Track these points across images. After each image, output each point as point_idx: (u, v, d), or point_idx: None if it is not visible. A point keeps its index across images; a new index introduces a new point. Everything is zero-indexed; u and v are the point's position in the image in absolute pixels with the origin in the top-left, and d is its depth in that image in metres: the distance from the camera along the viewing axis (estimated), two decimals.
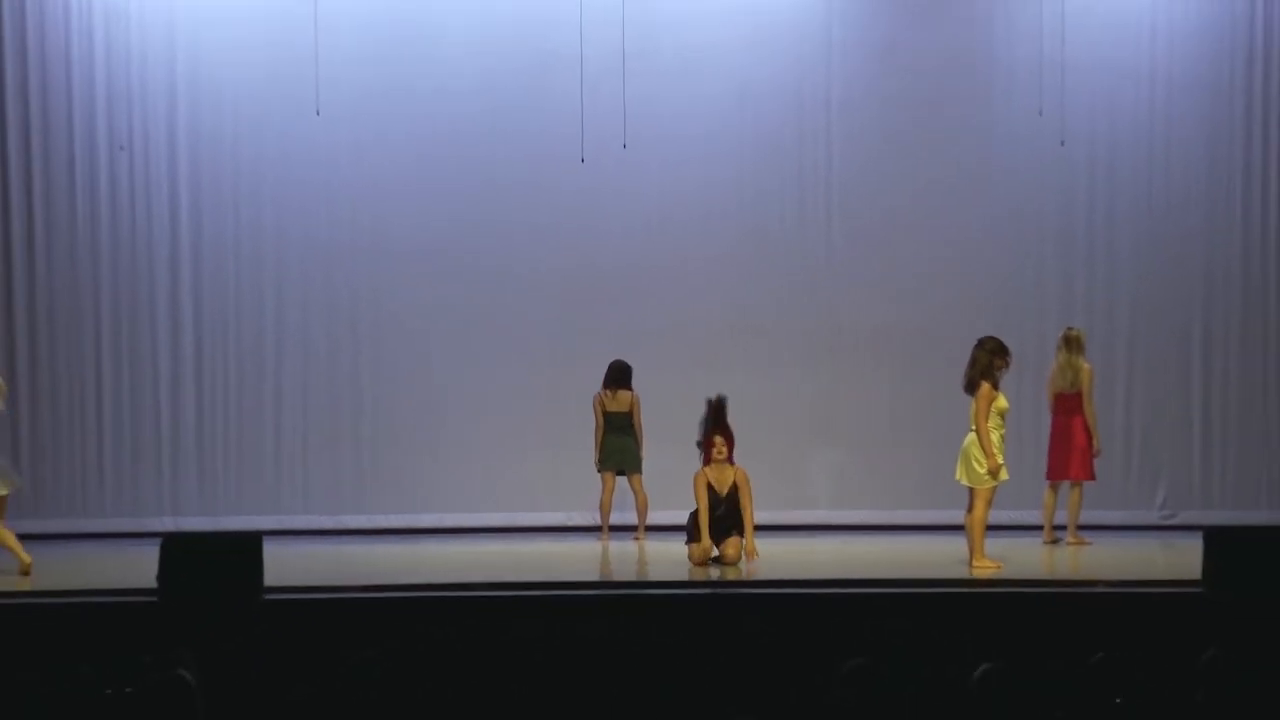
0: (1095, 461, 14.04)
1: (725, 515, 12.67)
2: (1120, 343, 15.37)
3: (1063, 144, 15.01)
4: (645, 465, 14.45)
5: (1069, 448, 14.01)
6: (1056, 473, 14.10)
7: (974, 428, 12.37)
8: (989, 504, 12.45)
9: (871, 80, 15.36)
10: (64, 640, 10.10)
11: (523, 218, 15.31)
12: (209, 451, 15.36)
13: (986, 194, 15.35)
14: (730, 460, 12.73)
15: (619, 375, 14.47)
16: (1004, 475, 12.45)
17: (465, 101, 15.29)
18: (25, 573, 12.28)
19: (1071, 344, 14.03)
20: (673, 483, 14.57)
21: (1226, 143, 15.33)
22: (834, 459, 15.52)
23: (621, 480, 14.54)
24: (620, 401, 14.47)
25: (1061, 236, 15.43)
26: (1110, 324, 15.32)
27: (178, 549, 11.00)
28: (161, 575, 10.80)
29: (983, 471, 12.33)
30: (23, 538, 14.58)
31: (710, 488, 12.66)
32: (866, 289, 15.39)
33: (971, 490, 12.45)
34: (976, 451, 12.34)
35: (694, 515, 12.70)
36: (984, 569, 12.27)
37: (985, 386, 12.31)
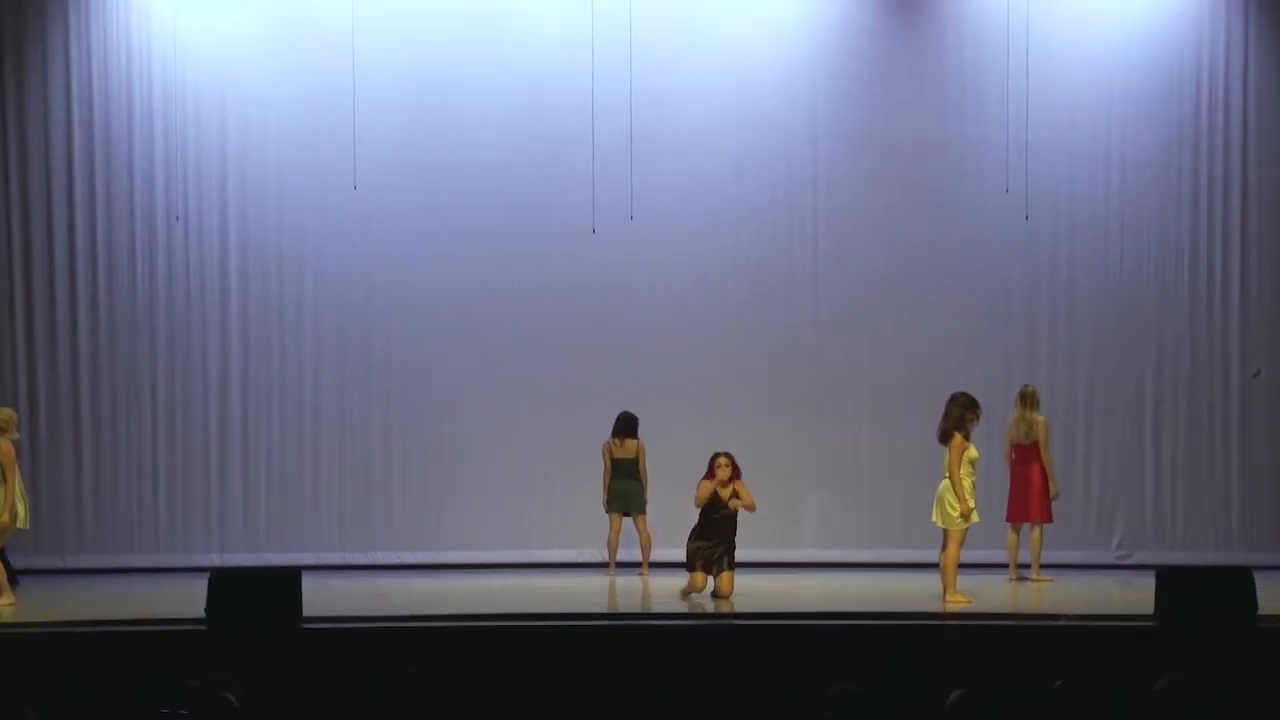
0: (1054, 504, 14.00)
1: (720, 541, 12.58)
2: (1079, 397, 15.33)
3: (1027, 218, 15.00)
4: (649, 507, 14.40)
5: (1027, 492, 13.98)
6: (1016, 515, 14.06)
7: (947, 475, 12.34)
8: (961, 544, 12.40)
9: (854, 161, 15.36)
10: (120, 665, 10.05)
11: (540, 282, 15.31)
12: (253, 494, 15.32)
13: (958, 262, 15.33)
14: (734, 479, 12.65)
15: (626, 425, 14.45)
16: (975, 518, 12.41)
17: (488, 177, 15.29)
18: None
19: (1026, 400, 14.04)
20: (674, 523, 14.50)
21: (1174, 219, 15.33)
22: (820, 502, 15.46)
23: (627, 520, 14.50)
24: (627, 449, 14.43)
25: (1026, 300, 15.41)
26: (1070, 380, 15.30)
27: (224, 582, 10.95)
28: (209, 606, 10.76)
29: (955, 514, 12.29)
30: (83, 572, 14.66)
31: (714, 492, 12.58)
32: (849, 347, 15.36)
33: (945, 531, 12.41)
34: (950, 496, 12.31)
35: (691, 543, 12.62)
36: (956, 603, 12.21)
37: (958, 438, 12.29)
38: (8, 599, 12.34)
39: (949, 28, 15.32)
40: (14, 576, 12.81)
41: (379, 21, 15.10)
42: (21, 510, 12.48)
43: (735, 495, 12.54)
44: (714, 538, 12.59)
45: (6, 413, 12.51)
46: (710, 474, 12.67)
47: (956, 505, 12.27)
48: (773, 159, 15.37)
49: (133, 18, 15.08)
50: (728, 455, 12.63)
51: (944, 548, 12.44)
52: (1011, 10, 14.74)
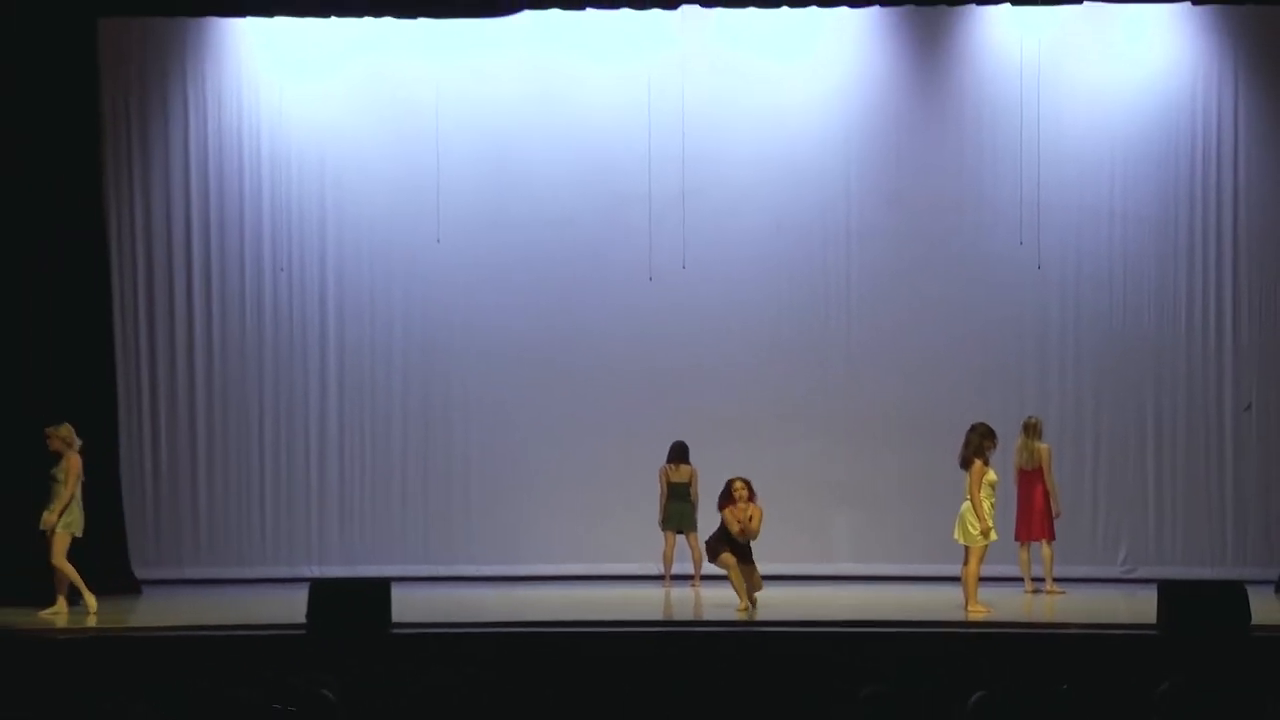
0: (1056, 523, 13.91)
1: (749, 559, 12.54)
2: (1087, 427, 15.21)
3: (1039, 268, 14.91)
4: (700, 524, 14.35)
5: (1030, 513, 13.92)
6: (1022, 534, 13.98)
7: (968, 497, 12.27)
8: (981, 560, 12.33)
9: (882, 217, 15.31)
10: (230, 665, 10.08)
11: (602, 324, 15.30)
12: (348, 512, 15.35)
13: (976, 306, 15.26)
14: (751, 500, 12.62)
15: (680, 452, 14.43)
16: (993, 536, 12.35)
17: (556, 230, 15.31)
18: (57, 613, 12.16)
19: (1029, 430, 14.00)
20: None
21: (1171, 267, 15.19)
22: (852, 520, 15.36)
23: (680, 538, 14.47)
24: (681, 473, 14.41)
25: (1038, 340, 15.31)
26: (1078, 412, 15.17)
27: (322, 591, 11.00)
28: (310, 613, 10.79)
29: (976, 533, 12.22)
30: (198, 582, 14.72)
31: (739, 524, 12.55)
32: (878, 381, 15.28)
33: (966, 548, 12.34)
34: (970, 516, 12.24)
35: (732, 569, 12.55)
36: (978, 613, 12.13)
37: (977, 463, 12.23)
38: (60, 608, 12.24)
39: (968, 97, 15.27)
40: (77, 589, 12.51)
41: (460, 93, 15.15)
42: (79, 519, 12.33)
43: (752, 518, 12.51)
44: (746, 559, 12.57)
45: (67, 429, 12.39)
46: (731, 499, 12.59)
47: (977, 524, 12.20)
48: (810, 215, 15.34)
49: (243, 91, 15.19)
50: (744, 480, 12.58)
51: (965, 563, 12.37)
52: (1024, 82, 14.68)
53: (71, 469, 12.24)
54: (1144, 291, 15.24)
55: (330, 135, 15.28)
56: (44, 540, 12.32)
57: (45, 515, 12.26)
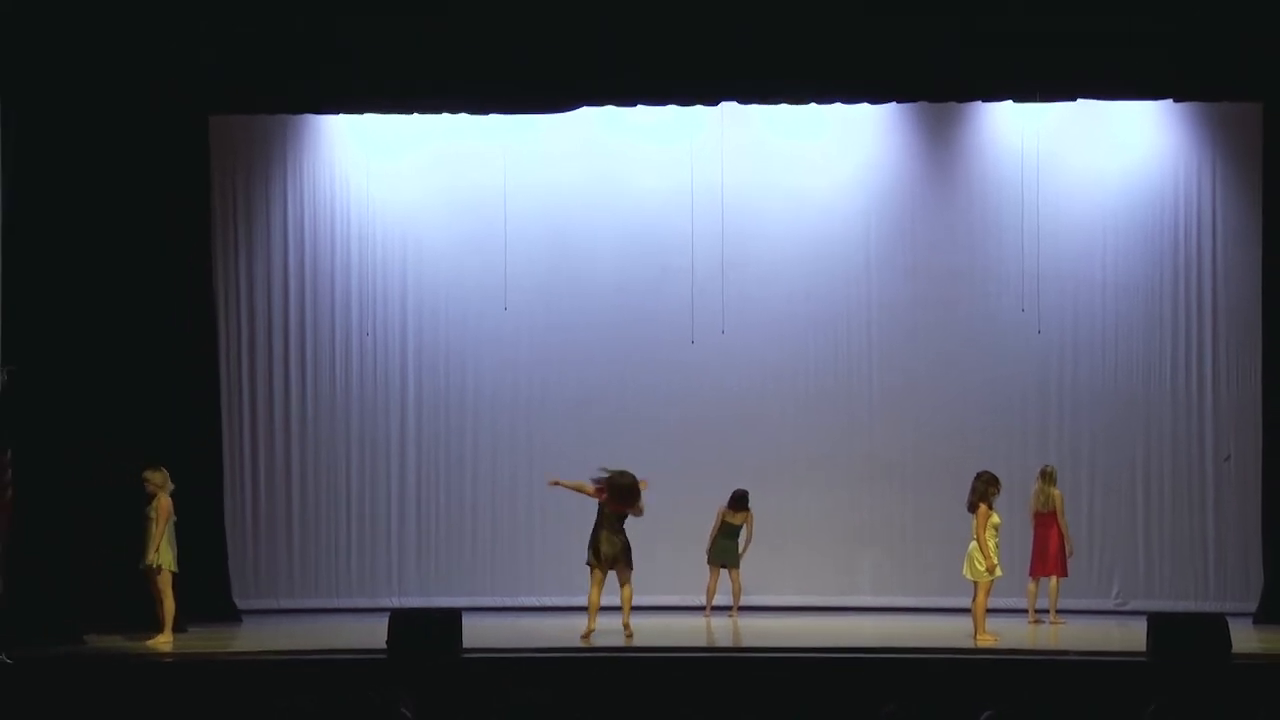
0: (1069, 561, 13.83)
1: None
2: (1083, 475, 15.11)
3: (1039, 332, 14.88)
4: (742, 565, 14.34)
5: (1046, 552, 13.83)
6: (1037, 570, 13.90)
7: (975, 538, 12.24)
8: (987, 593, 12.32)
9: (899, 286, 15.31)
10: (319, 686, 10.13)
11: (650, 382, 15.32)
12: (424, 548, 15.38)
13: (983, 367, 15.22)
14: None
15: (739, 500, 14.39)
16: (999, 572, 12.30)
17: (609, 297, 15.38)
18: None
19: (1045, 477, 13.95)
20: (758, 574, 14.53)
21: (1157, 332, 15.11)
22: (873, 556, 15.30)
23: (724, 572, 14.42)
24: (737, 518, 14.40)
25: (1038, 397, 15.24)
26: (1075, 461, 15.07)
27: (401, 620, 11.01)
28: (389, 639, 10.81)
29: (982, 569, 12.20)
30: (287, 612, 14.76)
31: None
32: (896, 433, 15.24)
33: (974, 583, 12.30)
34: (977, 555, 12.22)
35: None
36: (985, 641, 12.08)
37: (983, 507, 12.25)
38: (165, 638, 12.20)
39: (975, 181, 15.29)
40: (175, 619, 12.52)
41: (523, 176, 15.23)
42: (170, 555, 12.30)
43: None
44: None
45: (160, 474, 12.39)
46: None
47: (983, 562, 12.18)
48: (835, 284, 15.36)
49: (335, 178, 15.36)
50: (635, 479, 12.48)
51: (974, 597, 12.32)
52: (1025, 168, 14.70)
53: (162, 509, 12.25)
54: (1133, 354, 15.17)
55: (410, 215, 15.43)
56: (145, 576, 12.32)
57: (148, 555, 12.24)
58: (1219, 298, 15.04)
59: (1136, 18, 12.80)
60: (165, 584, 12.27)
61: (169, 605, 12.26)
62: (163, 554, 12.26)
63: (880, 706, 7.04)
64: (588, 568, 12.46)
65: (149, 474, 12.38)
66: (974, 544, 12.26)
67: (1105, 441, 15.16)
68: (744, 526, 14.34)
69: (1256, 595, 14.26)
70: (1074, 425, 15.20)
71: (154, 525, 12.23)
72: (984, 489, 12.27)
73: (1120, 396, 15.17)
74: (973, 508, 12.29)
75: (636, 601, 13.30)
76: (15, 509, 12.01)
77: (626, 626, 12.39)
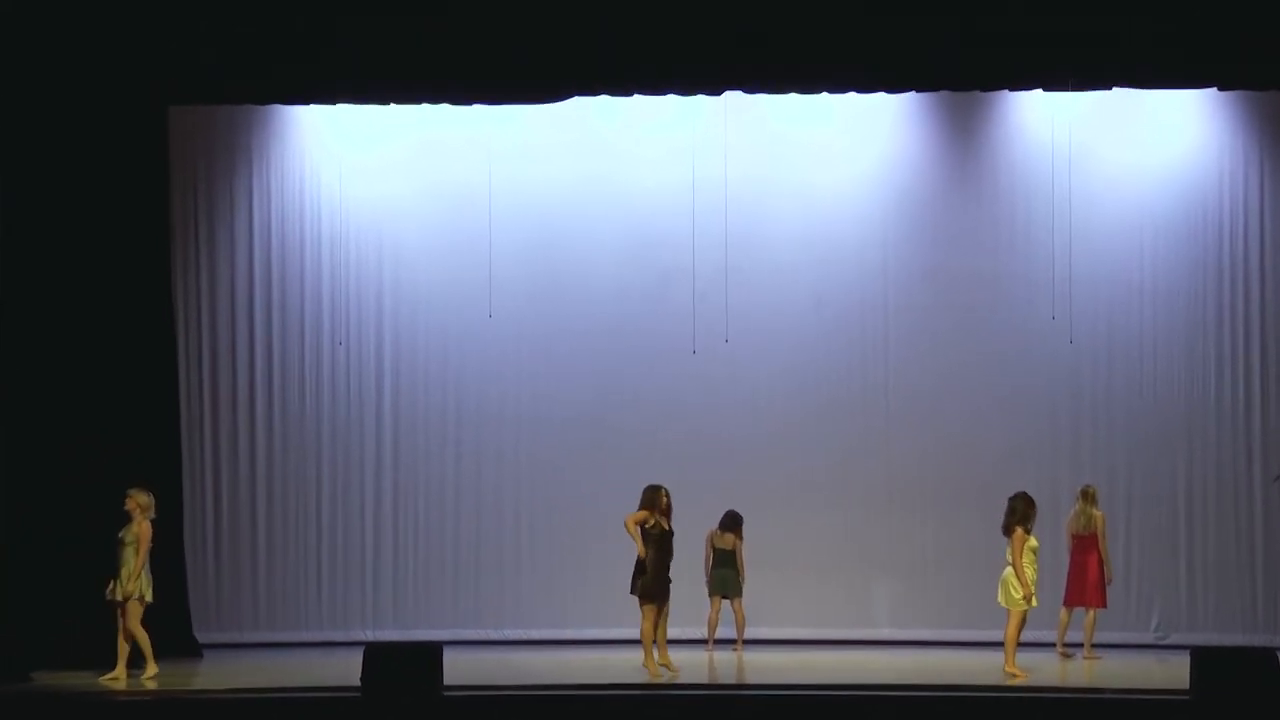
0: (1109, 590, 13.82)
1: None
2: (1119, 497, 15.06)
3: (1071, 342, 14.83)
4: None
5: (1084, 579, 13.80)
6: (1074, 599, 13.87)
7: (1010, 563, 12.25)
8: (1022, 623, 12.41)
9: (919, 292, 15.29)
10: None
11: (648, 397, 15.30)
12: (401, 577, 15.34)
13: (1010, 379, 15.19)
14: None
15: (727, 521, 14.34)
16: (1034, 602, 12.36)
17: (604, 306, 15.37)
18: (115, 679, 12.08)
19: (1087, 497, 13.93)
20: (764, 604, 14.47)
21: (1200, 340, 15.09)
22: (891, 585, 15.26)
23: (725, 603, 14.37)
24: (725, 540, 14.34)
25: (1070, 412, 15.20)
26: (1110, 481, 15.02)
27: (376, 655, 10.94)
28: (364, 676, 10.76)
29: (1018, 596, 12.26)
30: (252, 647, 14.70)
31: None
32: (915, 451, 15.21)
33: (1008, 610, 12.32)
34: (1014, 581, 12.30)
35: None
36: (1013, 676, 12.05)
37: (1020, 531, 12.29)
38: (151, 669, 12.24)
39: (1001, 177, 15.28)
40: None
41: (511, 172, 15.19)
42: (148, 585, 12.29)
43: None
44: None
45: (146, 497, 12.42)
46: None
47: (1019, 589, 12.26)
48: (848, 290, 15.34)
49: (305, 173, 15.34)
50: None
51: (1007, 625, 12.34)
52: (1055, 162, 14.66)
53: (143, 535, 12.25)
54: (1174, 365, 15.14)
55: (387, 214, 15.41)
56: (110, 606, 12.28)
57: (120, 584, 12.20)
58: (1267, 303, 15.02)
59: None
60: (136, 615, 12.25)
61: (143, 636, 12.28)
62: (141, 583, 12.26)
63: None
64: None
65: (136, 494, 12.38)
66: (1009, 569, 12.29)
67: (1143, 460, 15.13)
68: (735, 552, 14.27)
69: None
70: (1109, 442, 15.15)
71: (130, 551, 12.22)
72: (1023, 510, 12.36)
73: (1160, 411, 15.13)
74: (1008, 530, 12.38)
75: (633, 634, 13.22)
76: None
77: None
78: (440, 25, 13.06)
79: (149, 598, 12.30)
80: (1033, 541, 12.31)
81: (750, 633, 14.36)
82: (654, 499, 12.55)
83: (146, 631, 12.30)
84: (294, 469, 15.29)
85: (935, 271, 15.27)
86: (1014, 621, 12.27)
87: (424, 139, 15.30)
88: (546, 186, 15.39)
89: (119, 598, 12.22)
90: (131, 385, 13.92)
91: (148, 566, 12.33)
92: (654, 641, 12.42)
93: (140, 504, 12.33)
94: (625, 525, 12.51)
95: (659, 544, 12.51)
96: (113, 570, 12.28)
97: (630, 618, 14.85)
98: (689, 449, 15.16)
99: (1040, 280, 14.95)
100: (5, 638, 12.20)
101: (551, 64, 13.36)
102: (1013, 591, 12.24)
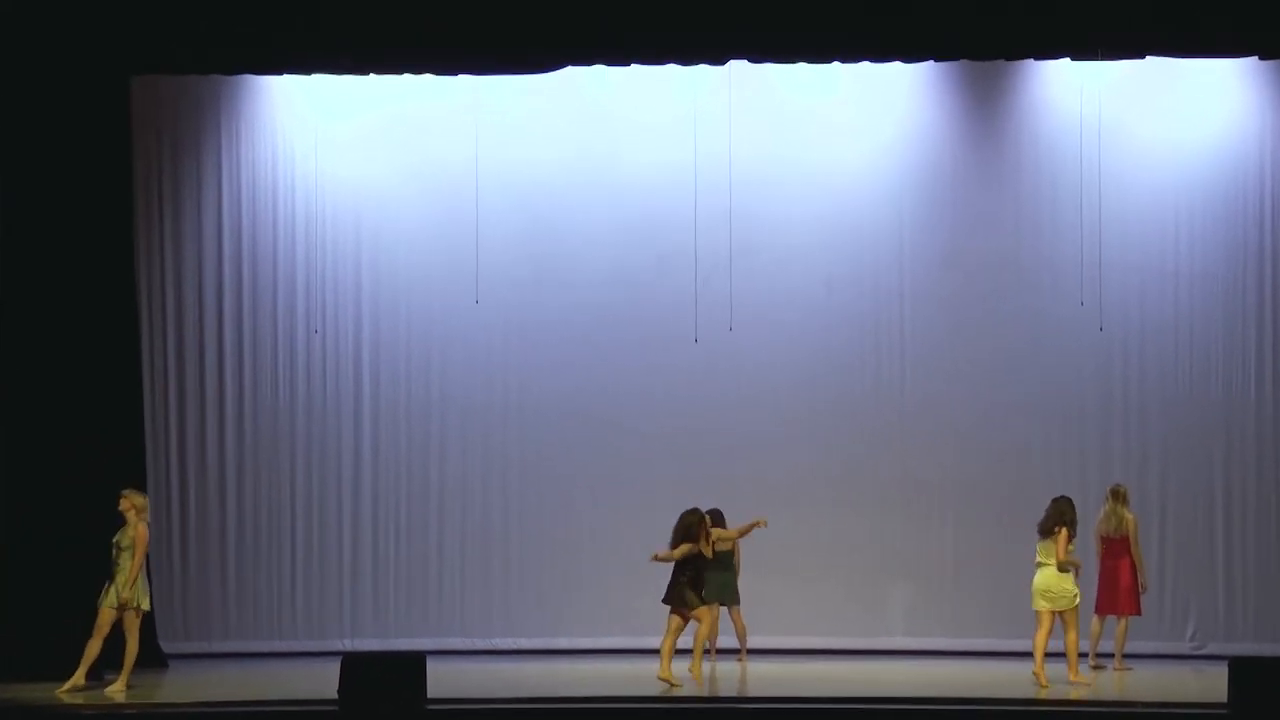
0: (1142, 598, 13.85)
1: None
2: (1152, 496, 15.05)
3: (1100, 329, 14.79)
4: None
5: (1115, 586, 13.82)
6: (1105, 607, 13.87)
7: (1050, 564, 12.48)
8: (1049, 632, 12.45)
9: (937, 277, 15.27)
10: None
11: (647, 387, 15.28)
12: (381, 583, 15.33)
13: (1036, 370, 15.17)
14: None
15: (719, 517, 14.20)
16: (1079, 599, 12.65)
17: (599, 291, 15.34)
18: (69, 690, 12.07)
19: (1118, 496, 13.94)
20: (769, 611, 14.42)
21: (1240, 329, 15.07)
22: (906, 592, 15.25)
23: (723, 610, 14.29)
24: (726, 541, 14.18)
25: (1100, 404, 15.19)
26: (1142, 480, 15.01)
27: (355, 666, 10.94)
28: (341, 688, 10.74)
29: (1072, 592, 12.46)
30: (221, 657, 14.67)
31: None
32: (933, 448, 15.19)
33: (1062, 619, 12.52)
34: (1064, 582, 12.46)
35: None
36: (1079, 680, 12.42)
37: (1064, 531, 12.49)
38: (120, 685, 12.24)
39: (1026, 153, 15.25)
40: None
41: (499, 149, 15.17)
42: (145, 593, 12.37)
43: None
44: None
45: (142, 498, 12.49)
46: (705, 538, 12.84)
47: (1071, 586, 12.47)
48: (861, 274, 15.31)
49: (279, 149, 15.30)
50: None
51: (1066, 631, 12.56)
52: (1084, 138, 14.66)
53: (140, 540, 12.28)
54: (1211, 355, 15.11)
55: (365, 193, 15.38)
56: (99, 615, 12.27)
57: (118, 592, 12.20)
58: None
59: None
60: (134, 625, 12.30)
61: (133, 647, 12.33)
62: (138, 591, 12.27)
63: None
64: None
65: (131, 495, 12.45)
66: (1048, 573, 12.48)
67: (1179, 456, 15.11)
68: (732, 551, 14.19)
69: None
70: (1142, 437, 15.13)
71: (126, 556, 12.24)
72: (1069, 511, 12.64)
73: (1196, 404, 15.11)
74: (1048, 532, 12.49)
75: (637, 644, 13.25)
76: None
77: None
78: None
79: (145, 606, 12.38)
80: (1071, 545, 12.54)
81: (753, 642, 14.31)
82: (695, 529, 12.81)
83: (103, 647, 12.28)
84: (266, 465, 15.26)
85: (954, 255, 15.25)
86: (1071, 627, 12.48)
87: (406, 112, 15.28)
88: (537, 163, 15.37)
89: (114, 605, 12.23)
90: (90, 377, 13.86)
91: (144, 573, 12.37)
92: (670, 651, 12.58)
93: (136, 506, 12.40)
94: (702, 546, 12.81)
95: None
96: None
97: (624, 626, 14.86)
98: (689, 445, 15.16)
99: (1067, 264, 14.92)
100: None
101: (543, 31, 13.37)
102: (1067, 587, 12.43)
